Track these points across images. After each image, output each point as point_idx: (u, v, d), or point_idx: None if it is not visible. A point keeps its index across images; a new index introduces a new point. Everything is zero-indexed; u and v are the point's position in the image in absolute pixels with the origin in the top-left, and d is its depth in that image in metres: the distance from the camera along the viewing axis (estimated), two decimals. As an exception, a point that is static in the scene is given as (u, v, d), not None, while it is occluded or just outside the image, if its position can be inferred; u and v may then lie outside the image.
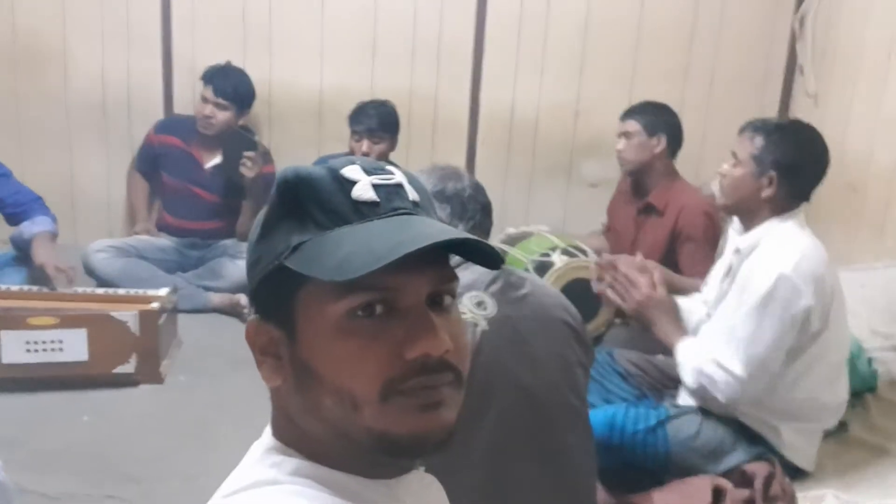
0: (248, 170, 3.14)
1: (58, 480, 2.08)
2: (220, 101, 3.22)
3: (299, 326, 0.67)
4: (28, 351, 2.50)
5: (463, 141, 3.62)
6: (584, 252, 2.83)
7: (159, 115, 3.58)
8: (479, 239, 0.68)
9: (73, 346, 2.52)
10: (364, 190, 0.67)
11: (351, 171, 0.68)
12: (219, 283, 3.23)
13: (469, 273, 1.55)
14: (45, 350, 2.50)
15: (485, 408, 1.47)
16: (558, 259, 2.86)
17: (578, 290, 2.49)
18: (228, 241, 3.36)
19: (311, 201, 0.67)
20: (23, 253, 2.85)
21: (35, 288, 2.68)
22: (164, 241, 3.34)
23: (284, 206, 0.69)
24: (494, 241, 3.19)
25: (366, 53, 3.56)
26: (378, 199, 0.67)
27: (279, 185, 0.69)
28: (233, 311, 3.14)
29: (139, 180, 3.51)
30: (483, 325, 1.48)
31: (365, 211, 0.67)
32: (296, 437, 0.70)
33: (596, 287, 2.30)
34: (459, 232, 0.67)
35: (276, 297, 0.69)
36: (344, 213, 0.67)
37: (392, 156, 3.28)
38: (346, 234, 0.65)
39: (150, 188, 3.51)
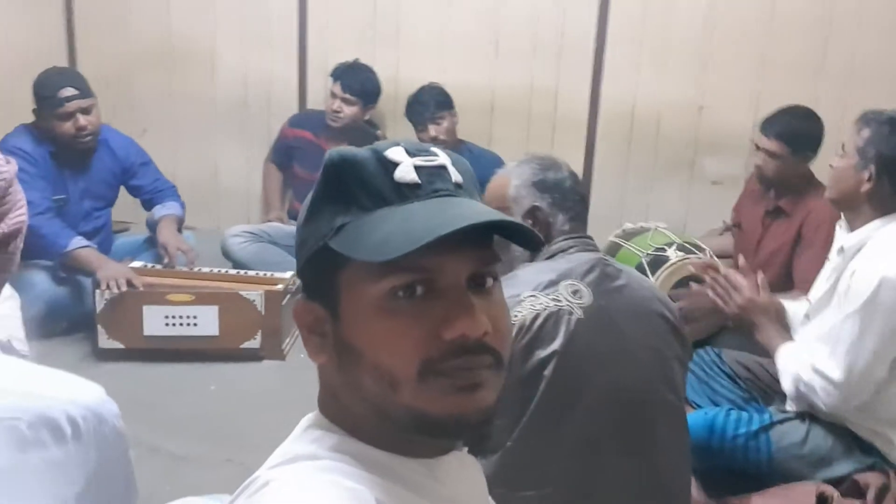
0: None
1: (184, 442, 2.29)
2: (348, 96, 3.39)
3: (342, 305, 0.68)
4: (166, 325, 2.75)
5: (582, 137, 3.61)
6: (701, 250, 2.77)
7: (294, 110, 3.80)
8: (518, 222, 0.69)
9: (206, 322, 2.74)
10: (406, 171, 0.68)
11: (394, 153, 0.69)
12: None
13: (566, 262, 1.56)
14: (181, 324, 2.75)
15: (576, 398, 1.47)
16: (673, 254, 2.81)
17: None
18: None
19: (354, 183, 0.68)
20: (153, 234, 3.11)
21: (180, 267, 2.93)
22: (294, 228, 3.55)
23: (330, 187, 0.70)
24: (611, 235, 3.18)
25: (488, 50, 3.63)
26: (419, 181, 0.68)
27: (325, 166, 0.70)
28: None
29: (274, 171, 3.74)
30: (578, 313, 1.48)
31: (406, 192, 0.68)
32: (339, 413, 0.71)
33: (698, 288, 2.24)
34: (497, 214, 0.67)
35: (320, 277, 0.70)
36: (385, 194, 0.68)
37: (510, 151, 3.32)
38: (386, 215, 0.66)
39: (284, 179, 3.73)
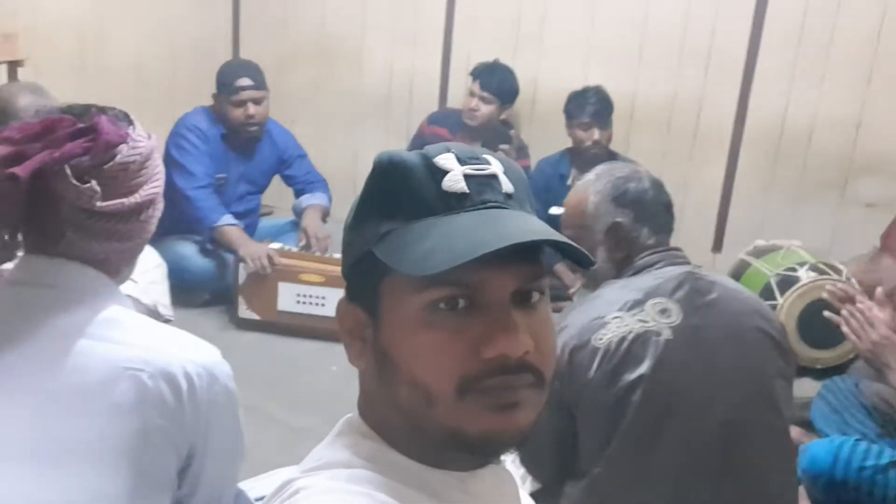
0: None
1: (302, 416, 2.40)
2: (485, 94, 3.43)
3: (383, 313, 0.67)
4: (298, 302, 2.90)
5: (724, 149, 3.48)
6: (838, 272, 2.60)
7: (435, 107, 3.89)
8: (565, 240, 0.65)
9: (334, 303, 2.85)
10: (454, 181, 0.65)
11: (444, 160, 0.66)
12: None
13: (652, 278, 1.51)
14: (310, 303, 2.90)
15: (667, 423, 1.42)
16: (805, 275, 2.67)
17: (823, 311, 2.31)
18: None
19: (401, 189, 0.66)
20: (299, 219, 3.31)
21: (314, 251, 3.09)
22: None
23: (376, 192, 0.68)
24: (741, 253, 3.04)
25: (632, 57, 3.56)
26: (468, 191, 0.65)
27: (373, 170, 0.69)
28: None
29: None
30: (667, 334, 1.42)
31: (453, 203, 0.65)
32: (376, 419, 0.70)
33: (830, 315, 2.10)
34: (543, 232, 0.64)
35: (363, 282, 0.69)
36: (432, 203, 0.65)
37: (647, 162, 3.25)
38: (431, 226, 0.64)
39: (419, 175, 3.83)
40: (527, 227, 0.64)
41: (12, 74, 3.00)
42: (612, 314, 1.46)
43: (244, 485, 1.37)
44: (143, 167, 1.12)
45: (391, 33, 3.96)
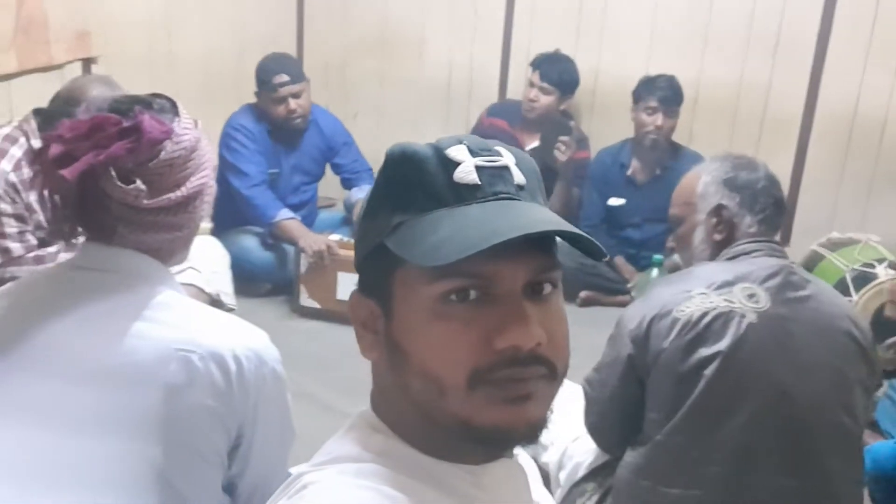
0: (561, 153, 3.29)
1: (360, 404, 2.41)
2: (545, 85, 3.40)
3: (395, 305, 0.67)
4: (356, 293, 2.95)
5: (793, 139, 3.37)
6: (916, 269, 2.50)
7: (494, 98, 3.88)
8: (577, 231, 0.64)
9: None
10: (466, 172, 0.66)
11: (456, 152, 0.67)
12: None
13: (747, 264, 1.51)
14: (367, 294, 2.94)
15: (736, 404, 1.41)
16: (883, 272, 2.57)
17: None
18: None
19: (413, 181, 0.66)
20: (350, 214, 3.37)
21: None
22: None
23: (388, 184, 0.69)
24: (814, 244, 2.95)
25: (696, 44, 3.48)
26: (479, 182, 0.65)
27: (386, 161, 0.69)
28: None
29: None
30: (751, 317, 1.42)
31: (465, 194, 0.65)
32: (388, 411, 0.70)
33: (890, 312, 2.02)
34: (555, 223, 0.64)
35: (376, 274, 0.69)
36: (443, 195, 0.65)
37: (711, 150, 3.17)
38: (442, 217, 0.64)
39: (478, 167, 3.83)
40: (538, 217, 0.64)
41: (86, 71, 3.13)
42: (699, 290, 1.47)
43: (296, 470, 1.41)
44: (188, 160, 1.15)
45: (451, 24, 3.96)
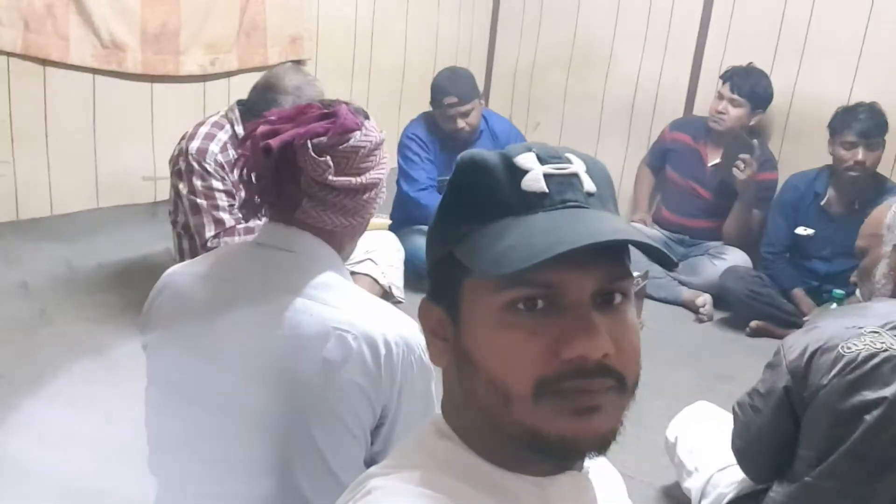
0: (740, 172, 3.16)
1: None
2: (735, 97, 3.27)
3: (463, 313, 0.67)
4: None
5: None
6: None
7: (679, 114, 3.79)
8: (647, 241, 0.62)
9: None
10: (534, 180, 0.65)
11: (525, 160, 0.66)
12: (693, 279, 3.32)
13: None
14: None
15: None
16: None
17: None
18: (714, 243, 3.43)
19: (482, 189, 0.66)
20: None
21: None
22: (656, 232, 3.56)
23: (458, 192, 0.69)
24: None
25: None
26: (548, 191, 0.65)
27: (456, 169, 0.69)
28: (692, 306, 3.22)
29: (647, 174, 3.78)
30: None
31: (532, 202, 0.65)
32: (457, 419, 0.70)
33: None
34: (624, 232, 0.62)
35: (444, 282, 0.69)
36: (511, 203, 0.65)
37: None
38: (510, 225, 0.64)
39: (656, 182, 3.76)
40: (607, 226, 0.62)
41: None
42: (871, 328, 1.41)
43: (366, 473, 1.47)
44: (371, 154, 1.28)
45: (642, 39, 3.92)
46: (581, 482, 0.71)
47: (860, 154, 2.91)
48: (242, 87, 3.08)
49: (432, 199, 3.22)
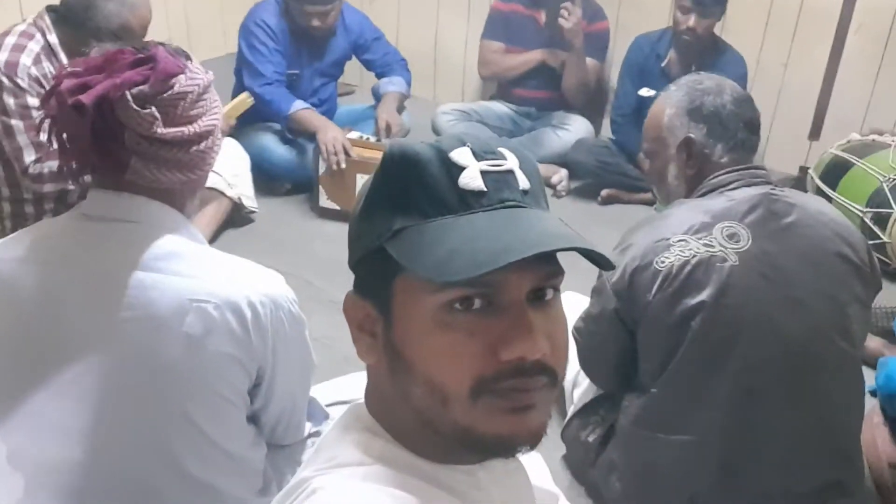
0: (565, 21, 3.09)
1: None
2: None
3: (395, 311, 0.66)
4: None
5: (830, 31, 3.20)
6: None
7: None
8: (586, 247, 0.63)
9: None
10: (471, 178, 0.64)
11: (460, 156, 0.65)
12: (538, 152, 3.28)
13: (725, 199, 1.46)
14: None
15: (729, 349, 1.40)
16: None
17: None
18: (557, 113, 3.42)
19: (415, 185, 0.65)
20: (377, 102, 3.22)
21: (387, 142, 3.05)
22: (504, 108, 3.52)
23: (388, 185, 0.66)
24: (832, 147, 2.86)
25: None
26: (485, 189, 0.64)
27: (384, 161, 0.67)
28: (549, 183, 3.26)
29: (497, 46, 3.46)
30: (733, 259, 1.38)
31: (470, 201, 0.64)
32: (385, 414, 0.70)
33: None
34: (564, 237, 0.63)
35: (374, 278, 0.67)
36: (448, 201, 0.64)
37: (749, 39, 3.02)
38: (448, 226, 0.63)
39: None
40: (550, 231, 0.63)
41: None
42: (678, 237, 1.43)
43: (314, 390, 1.45)
44: (200, 98, 1.14)
45: None
46: (511, 464, 0.73)
47: (692, 20, 2.94)
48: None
49: (279, 96, 2.97)
